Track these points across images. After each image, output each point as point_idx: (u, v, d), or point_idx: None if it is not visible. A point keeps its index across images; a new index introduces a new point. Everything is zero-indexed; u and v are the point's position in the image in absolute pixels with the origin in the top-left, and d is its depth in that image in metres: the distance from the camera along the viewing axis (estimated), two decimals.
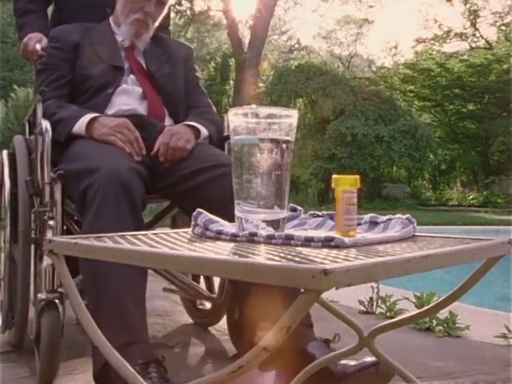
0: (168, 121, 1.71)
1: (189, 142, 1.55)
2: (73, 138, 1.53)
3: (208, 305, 1.99)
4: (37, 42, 1.82)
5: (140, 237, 0.77)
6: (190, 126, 1.64)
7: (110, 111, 1.63)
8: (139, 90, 1.69)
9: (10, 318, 1.69)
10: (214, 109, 1.88)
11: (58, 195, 1.44)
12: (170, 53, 1.82)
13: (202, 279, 1.99)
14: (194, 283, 1.83)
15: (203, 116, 1.75)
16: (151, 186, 1.47)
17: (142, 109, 1.66)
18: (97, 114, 1.56)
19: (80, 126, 1.53)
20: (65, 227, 1.57)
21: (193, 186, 1.45)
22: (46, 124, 1.47)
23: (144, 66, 1.75)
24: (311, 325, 1.30)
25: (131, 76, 1.70)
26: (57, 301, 1.38)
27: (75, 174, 1.38)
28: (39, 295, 1.39)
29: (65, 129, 1.53)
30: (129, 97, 1.67)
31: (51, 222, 1.42)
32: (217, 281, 1.86)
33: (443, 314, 1.94)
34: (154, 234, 0.80)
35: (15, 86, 13.55)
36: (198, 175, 1.46)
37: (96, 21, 1.78)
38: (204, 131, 1.66)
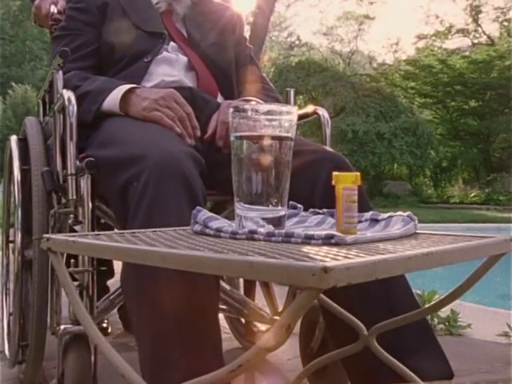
0: (220, 99, 1.39)
1: None
2: (103, 116, 1.20)
3: (263, 326, 1.59)
4: (52, 3, 1.55)
5: (138, 235, 0.76)
6: (252, 101, 1.32)
7: (148, 83, 1.30)
8: (184, 58, 1.37)
9: (21, 350, 1.35)
10: (272, 85, 1.55)
11: (86, 191, 1.09)
12: (214, 19, 1.49)
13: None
14: (249, 300, 1.44)
15: (264, 92, 1.43)
16: (206, 179, 1.06)
17: (189, 81, 1.34)
18: (133, 85, 1.22)
19: (112, 100, 1.19)
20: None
21: None
22: (68, 95, 1.11)
23: (185, 34, 1.43)
24: (451, 375, 0.99)
25: (172, 44, 1.39)
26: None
27: (110, 163, 1.04)
28: (63, 326, 1.06)
29: (92, 105, 1.20)
30: (172, 66, 1.34)
31: (78, 227, 1.09)
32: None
33: (444, 312, 1.94)
34: (153, 231, 0.80)
35: (13, 83, 13.55)
36: None
37: None
38: None
